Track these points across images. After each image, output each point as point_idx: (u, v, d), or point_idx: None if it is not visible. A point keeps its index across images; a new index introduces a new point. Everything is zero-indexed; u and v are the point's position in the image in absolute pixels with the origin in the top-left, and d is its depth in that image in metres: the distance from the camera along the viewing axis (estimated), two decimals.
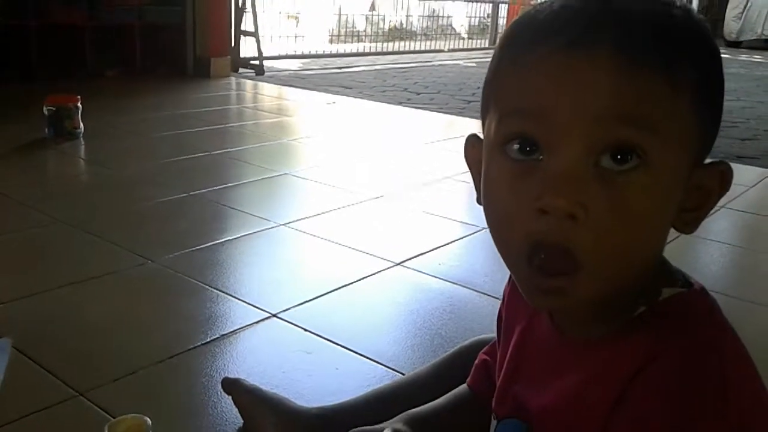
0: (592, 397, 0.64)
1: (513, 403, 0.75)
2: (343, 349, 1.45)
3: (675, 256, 0.70)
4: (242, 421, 1.17)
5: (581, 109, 0.54)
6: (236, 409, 1.17)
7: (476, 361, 0.93)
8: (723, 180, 0.62)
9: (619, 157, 0.54)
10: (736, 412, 0.59)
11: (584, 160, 0.54)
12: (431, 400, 1.00)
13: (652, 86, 0.55)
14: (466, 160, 0.70)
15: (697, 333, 0.62)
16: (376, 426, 0.92)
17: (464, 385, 0.96)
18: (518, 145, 0.58)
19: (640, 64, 0.54)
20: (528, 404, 0.73)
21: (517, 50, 0.59)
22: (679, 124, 0.57)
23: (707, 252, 2.11)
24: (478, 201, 0.66)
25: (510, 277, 0.77)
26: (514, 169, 0.58)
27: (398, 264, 1.89)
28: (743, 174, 2.91)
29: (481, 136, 0.67)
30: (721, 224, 2.35)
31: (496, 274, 1.74)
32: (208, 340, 1.46)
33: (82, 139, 3.08)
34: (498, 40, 0.64)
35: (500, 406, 0.78)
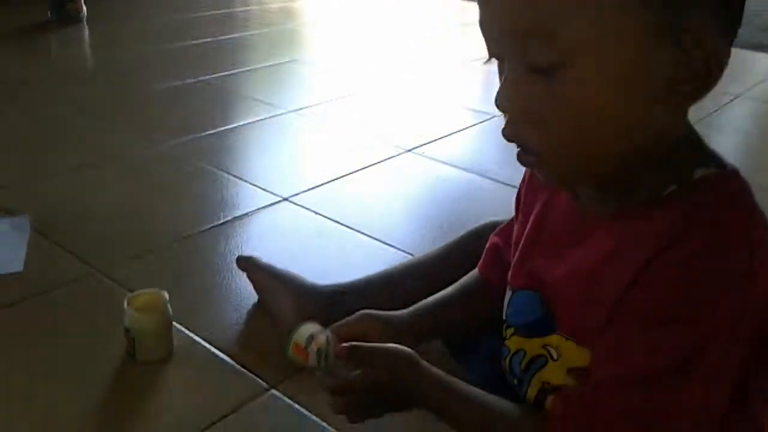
0: (609, 271, 0.65)
1: (529, 275, 0.76)
2: (353, 231, 1.47)
3: None
4: (257, 298, 1.20)
5: (494, 27, 0.59)
6: (251, 286, 1.20)
7: (487, 245, 0.93)
8: (715, 57, 0.58)
9: (544, 70, 0.57)
10: (761, 293, 0.59)
11: (520, 68, 0.58)
12: (442, 281, 1.01)
13: None
14: None
15: (725, 213, 0.61)
16: (386, 312, 0.93)
17: (473, 272, 0.96)
18: (496, 60, 0.62)
19: None
20: (544, 276, 0.74)
21: None
22: (599, 16, 0.55)
23: (725, 141, 2.08)
24: None
25: None
26: (499, 76, 0.62)
27: (409, 151, 1.88)
28: (763, 63, 2.84)
29: None
30: (738, 113, 2.31)
31: (507, 161, 1.73)
32: (221, 221, 1.48)
33: (85, 22, 3.00)
34: None
35: (516, 278, 0.79)
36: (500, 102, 0.61)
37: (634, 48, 0.56)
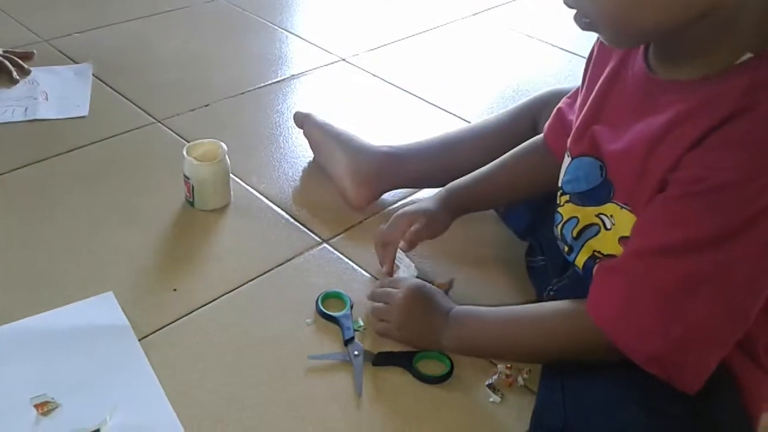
0: (673, 136, 0.63)
1: (590, 143, 0.75)
2: (410, 95, 1.44)
3: None
4: (312, 155, 1.21)
5: None
6: (307, 143, 1.20)
7: (555, 109, 0.91)
8: None
9: None
10: None
11: None
12: (500, 146, 1.00)
13: None
14: None
15: None
16: (417, 207, 0.95)
17: (532, 139, 0.95)
18: None
19: None
20: (605, 144, 0.73)
21: None
22: None
23: None
24: None
25: None
26: None
27: (475, 14, 1.80)
28: None
29: None
30: None
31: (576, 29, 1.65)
32: (279, 79, 1.47)
33: None
34: None
35: (576, 145, 0.77)
36: None
37: None
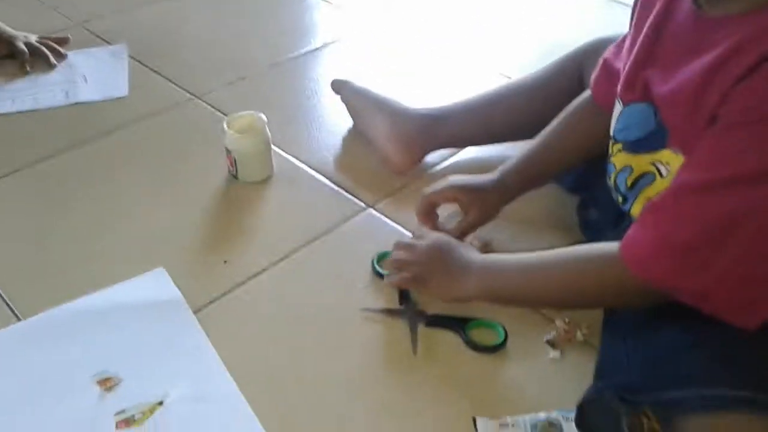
0: (723, 70, 0.60)
1: (642, 88, 0.72)
2: (449, 55, 1.41)
3: None
4: (351, 122, 1.20)
5: None
6: (345, 110, 1.19)
7: (600, 60, 0.88)
8: None
9: None
10: None
11: None
12: (545, 102, 0.97)
13: None
14: None
15: None
16: (472, 180, 0.91)
17: (578, 99, 0.91)
18: None
19: None
20: (656, 88, 0.70)
21: None
22: None
23: None
24: None
25: None
26: None
27: None
28: None
29: None
30: None
31: None
32: (314, 47, 1.45)
33: None
34: None
35: (628, 92, 0.75)
36: None
37: None
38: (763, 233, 0.59)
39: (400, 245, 0.86)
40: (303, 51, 1.44)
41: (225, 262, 0.93)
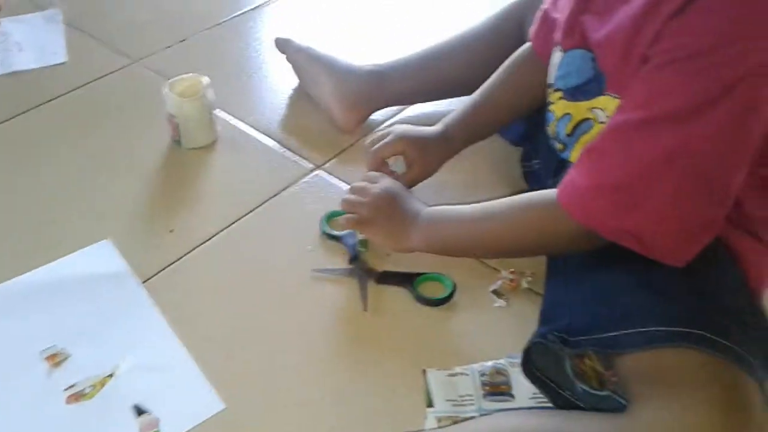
0: (652, 13, 0.61)
1: (580, 35, 0.72)
2: (391, 7, 1.39)
3: None
4: (297, 81, 1.18)
5: None
6: (290, 69, 1.17)
7: (538, 12, 0.87)
8: None
9: None
10: None
11: None
12: (485, 56, 0.97)
13: None
14: None
15: None
16: (420, 132, 0.91)
17: (518, 51, 0.91)
18: None
19: None
20: (593, 35, 0.70)
21: None
22: None
23: None
24: None
25: None
26: None
27: None
28: None
29: None
30: None
31: None
32: (256, 5, 1.42)
33: None
34: None
35: (567, 39, 0.75)
36: None
37: None
38: (694, 170, 0.60)
39: (354, 188, 0.86)
40: (246, 9, 1.40)
41: (171, 231, 0.92)
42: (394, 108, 1.13)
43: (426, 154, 0.90)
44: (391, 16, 1.38)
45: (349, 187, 0.88)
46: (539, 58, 0.85)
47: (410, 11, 1.39)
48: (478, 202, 0.77)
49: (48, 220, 0.94)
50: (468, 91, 0.96)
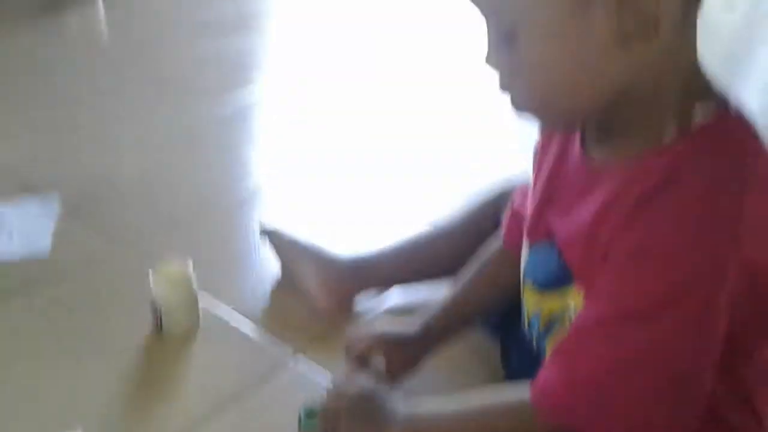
0: (608, 217, 0.65)
1: (545, 229, 0.76)
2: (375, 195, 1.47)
3: None
4: (281, 268, 1.21)
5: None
6: (274, 256, 1.20)
7: (508, 217, 0.93)
8: None
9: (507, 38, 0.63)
10: (750, 251, 0.59)
11: (493, 35, 0.65)
12: (466, 246, 1.01)
13: None
14: None
15: (723, 158, 0.61)
16: (398, 332, 0.93)
17: (494, 244, 0.96)
18: None
19: None
20: (557, 229, 0.74)
21: None
22: None
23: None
24: None
25: None
26: None
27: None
28: None
29: None
30: None
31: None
32: (242, 193, 1.48)
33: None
34: None
35: (533, 233, 0.79)
36: (486, 61, 0.67)
37: (564, 9, 0.59)
38: (662, 368, 0.61)
39: (330, 394, 0.86)
40: (235, 196, 1.47)
41: (144, 423, 0.90)
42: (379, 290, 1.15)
43: (405, 352, 0.91)
44: (378, 206, 1.44)
45: (329, 381, 0.88)
46: (511, 252, 0.89)
47: (398, 197, 1.46)
48: (459, 389, 0.78)
49: (24, 408, 0.92)
50: (451, 276, 0.99)
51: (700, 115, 0.62)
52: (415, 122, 1.79)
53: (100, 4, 2.91)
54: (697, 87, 0.64)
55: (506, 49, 0.63)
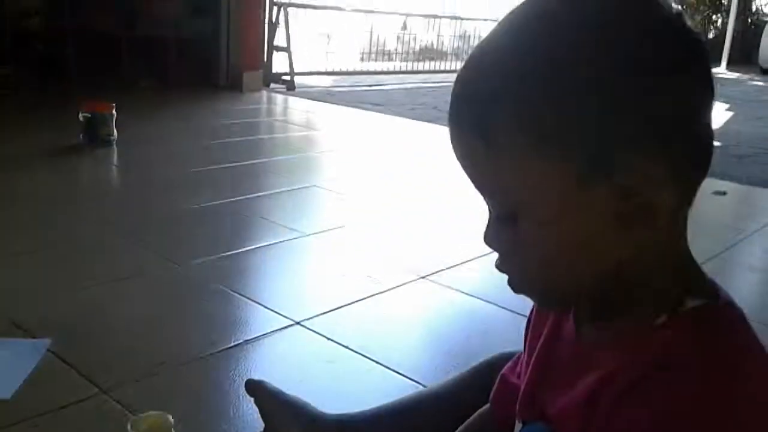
0: (602, 398, 0.64)
1: (538, 407, 0.75)
2: (365, 358, 1.45)
3: None
4: (263, 424, 1.17)
5: (471, 182, 0.66)
6: (257, 412, 1.17)
7: (498, 378, 0.92)
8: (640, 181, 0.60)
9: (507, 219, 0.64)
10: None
11: (494, 215, 0.66)
12: (453, 415, 0.99)
13: (472, 145, 0.62)
14: None
15: (712, 349, 0.61)
16: None
17: (482, 410, 0.94)
18: None
19: (468, 141, 0.63)
20: (550, 409, 0.73)
21: None
22: (528, 170, 0.61)
23: (738, 277, 2.08)
24: None
25: None
26: None
27: (423, 277, 1.88)
28: None
29: None
30: (752, 249, 2.32)
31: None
32: (232, 344, 1.47)
33: (115, 145, 3.13)
34: None
35: (525, 411, 0.77)
36: (485, 240, 0.68)
37: (565, 195, 0.61)
38: None
39: None
40: (221, 348, 1.45)
41: None
42: None
43: None
44: (365, 365, 1.43)
45: None
46: (500, 423, 0.87)
47: (386, 358, 1.44)
48: None
49: None
50: None
51: (690, 302, 0.64)
52: None
53: (115, 150, 3.04)
54: (687, 276, 0.66)
55: (506, 229, 0.65)
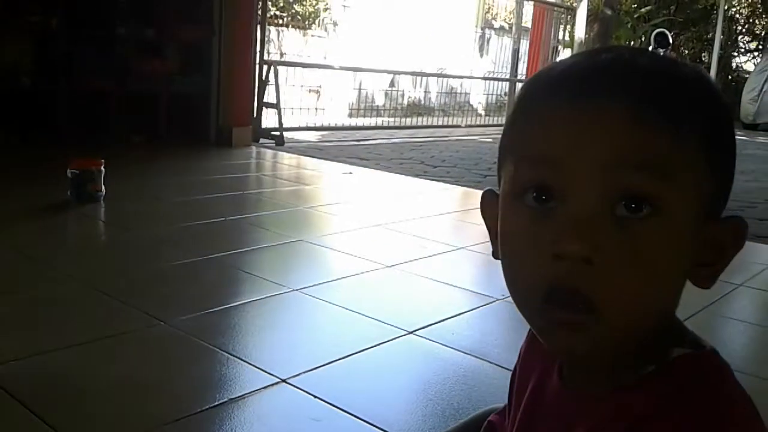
0: None
1: None
2: (352, 417, 1.42)
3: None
4: None
5: (592, 157, 0.56)
6: None
7: (485, 424, 0.91)
8: (737, 234, 0.62)
9: (633, 205, 0.55)
10: None
11: (598, 206, 0.55)
12: None
13: (659, 138, 0.57)
14: (483, 215, 0.71)
15: (701, 399, 0.61)
16: None
17: None
18: (534, 194, 0.58)
19: (648, 116, 0.57)
20: None
21: (533, 102, 0.63)
22: (690, 174, 0.58)
23: (725, 329, 2.07)
24: (494, 255, 0.67)
25: (527, 334, 0.77)
26: (531, 216, 0.59)
27: (411, 333, 1.87)
28: (761, 253, 2.88)
29: (497, 190, 0.68)
30: (739, 302, 2.32)
31: (509, 345, 1.72)
32: (217, 403, 1.44)
33: (102, 201, 3.13)
34: (516, 94, 0.68)
35: None
36: (569, 242, 0.54)
37: (700, 217, 0.59)
38: None
39: None
40: (207, 407, 1.42)
41: None
42: None
43: None
44: (352, 424, 1.40)
45: None
46: None
47: (373, 416, 1.41)
48: None
49: None
50: None
51: (676, 351, 0.63)
52: None
53: (102, 206, 3.04)
54: (672, 324, 0.66)
55: (618, 224, 0.55)
